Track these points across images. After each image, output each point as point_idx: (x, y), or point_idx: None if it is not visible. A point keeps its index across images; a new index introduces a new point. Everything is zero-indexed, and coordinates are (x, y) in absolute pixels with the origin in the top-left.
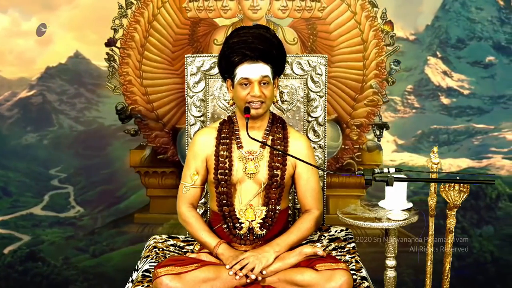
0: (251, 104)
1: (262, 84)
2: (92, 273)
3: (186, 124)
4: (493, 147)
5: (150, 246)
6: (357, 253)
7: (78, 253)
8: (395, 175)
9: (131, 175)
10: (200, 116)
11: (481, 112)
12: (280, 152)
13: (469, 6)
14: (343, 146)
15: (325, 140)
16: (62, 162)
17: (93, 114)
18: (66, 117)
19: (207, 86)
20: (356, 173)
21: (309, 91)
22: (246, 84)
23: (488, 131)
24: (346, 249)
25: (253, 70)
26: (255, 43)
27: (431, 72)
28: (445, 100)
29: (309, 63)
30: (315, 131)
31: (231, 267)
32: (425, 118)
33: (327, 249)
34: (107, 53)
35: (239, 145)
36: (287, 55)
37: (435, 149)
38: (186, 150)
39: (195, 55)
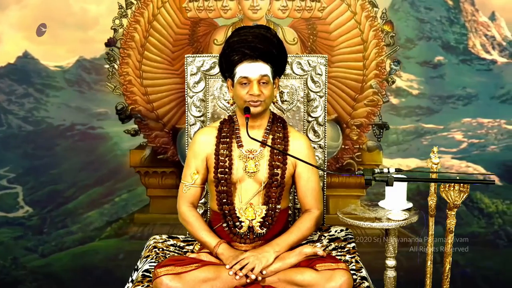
0: (250, 102)
1: (261, 83)
2: (41, 273)
3: (186, 124)
4: (442, 147)
5: (150, 246)
6: (357, 253)
7: (27, 253)
8: (395, 175)
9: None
10: (200, 116)
11: (430, 112)
12: (280, 151)
13: (418, 6)
14: (343, 146)
15: (325, 140)
16: (10, 162)
17: (42, 114)
18: (14, 117)
19: (207, 86)
20: (356, 173)
21: (309, 91)
22: (245, 83)
23: (437, 131)
24: (346, 249)
25: (252, 69)
26: (255, 42)
27: None
28: (394, 100)
29: (309, 63)
30: (315, 131)
31: (231, 267)
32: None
33: (327, 249)
34: (107, 53)
35: (239, 144)
36: (287, 55)
37: (435, 149)
38: (186, 150)
39: (195, 55)
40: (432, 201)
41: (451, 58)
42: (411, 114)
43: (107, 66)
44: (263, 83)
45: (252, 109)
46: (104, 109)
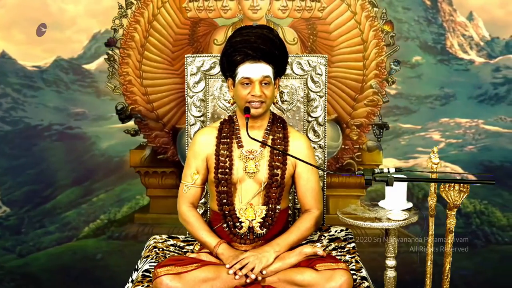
0: (251, 103)
1: (263, 84)
2: (19, 273)
3: (186, 124)
4: (420, 147)
5: (150, 246)
6: (357, 253)
7: (5, 253)
8: (395, 175)
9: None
10: (200, 116)
11: (408, 112)
12: (280, 152)
13: (396, 6)
14: (343, 146)
15: (325, 140)
16: None
17: (20, 114)
18: None
19: (207, 86)
20: (356, 173)
21: (309, 91)
22: (247, 84)
23: (414, 131)
24: (346, 249)
25: (254, 70)
26: (257, 43)
27: None
28: None
29: (309, 63)
30: (315, 131)
31: (231, 267)
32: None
33: (327, 249)
34: (107, 53)
35: (239, 144)
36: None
37: (435, 149)
38: (186, 150)
39: (195, 55)
40: (432, 201)
41: (428, 58)
42: (388, 114)
43: (106, 66)
44: (265, 83)
45: (253, 111)
46: (82, 109)
